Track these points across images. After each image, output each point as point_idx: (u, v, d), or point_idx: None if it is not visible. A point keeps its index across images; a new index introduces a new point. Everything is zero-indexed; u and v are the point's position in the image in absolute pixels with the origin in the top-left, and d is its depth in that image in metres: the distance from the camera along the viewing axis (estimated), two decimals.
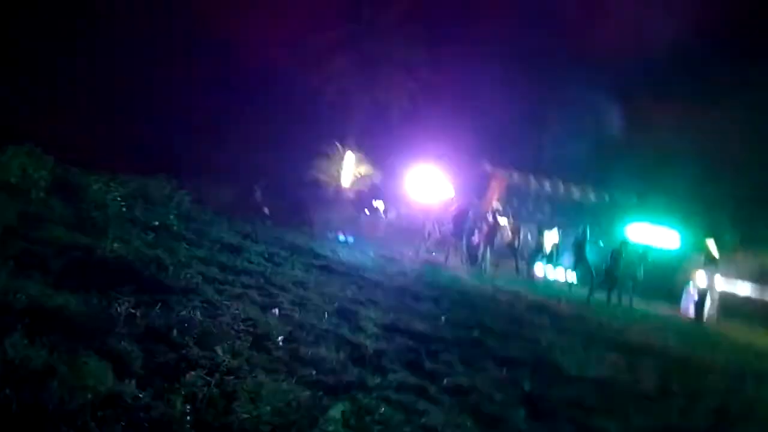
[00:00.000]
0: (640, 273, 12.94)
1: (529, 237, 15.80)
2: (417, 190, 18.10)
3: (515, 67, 18.66)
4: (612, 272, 12.45)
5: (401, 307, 6.65)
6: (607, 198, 19.62)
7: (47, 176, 7.85)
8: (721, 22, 16.91)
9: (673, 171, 17.17)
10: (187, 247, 7.11)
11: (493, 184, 19.62)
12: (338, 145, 19.92)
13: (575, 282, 13.79)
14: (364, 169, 19.95)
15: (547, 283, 14.13)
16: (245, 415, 2.90)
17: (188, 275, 5.47)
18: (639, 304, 12.54)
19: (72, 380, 2.81)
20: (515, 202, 19.10)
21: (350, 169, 20.12)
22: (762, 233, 15.67)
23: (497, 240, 15.19)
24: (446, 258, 14.29)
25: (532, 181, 20.24)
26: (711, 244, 12.92)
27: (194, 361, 3.44)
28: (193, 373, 3.24)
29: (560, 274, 15.04)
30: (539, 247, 15.19)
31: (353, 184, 19.93)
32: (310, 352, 4.15)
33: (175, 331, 3.80)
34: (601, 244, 13.85)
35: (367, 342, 4.76)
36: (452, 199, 16.88)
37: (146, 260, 5.48)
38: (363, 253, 11.60)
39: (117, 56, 14.13)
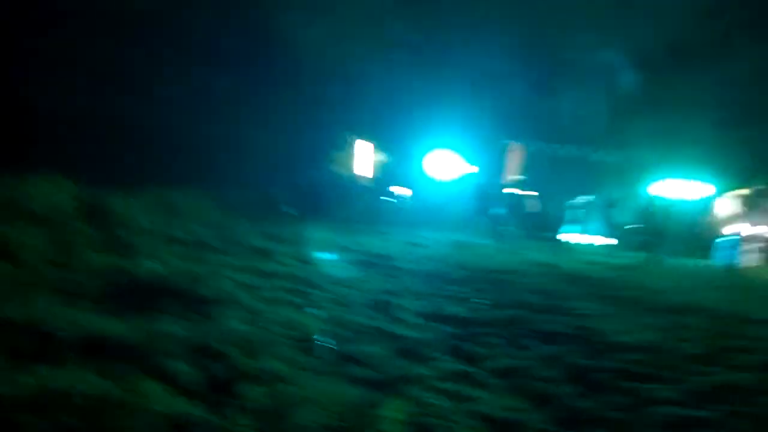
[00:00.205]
0: (673, 228, 12.78)
1: (554, 206, 15.69)
2: (435, 171, 18.03)
3: (521, 31, 18.31)
4: (644, 231, 12.30)
5: (435, 293, 6.65)
6: (629, 157, 19.31)
7: (73, 201, 7.96)
8: None
9: (696, 121, 16.79)
10: (218, 256, 7.18)
11: (511, 156, 19.41)
12: (351, 134, 19.86)
13: (607, 246, 13.66)
14: (379, 155, 19.89)
15: (578, 250, 14.00)
16: (302, 422, 2.93)
17: (223, 285, 5.53)
18: (675, 261, 12.37)
19: (130, 404, 2.87)
20: (536, 172, 18.88)
21: (365, 157, 20.08)
22: None
23: (522, 212, 15.12)
24: (473, 236, 14.24)
25: (551, 149, 19.98)
26: (741, 191, 12.67)
27: (244, 371, 3.48)
28: (244, 384, 3.28)
29: (590, 239, 14.91)
30: (566, 214, 15.09)
31: (369, 171, 19.89)
32: (353, 350, 4.18)
33: (220, 344, 3.85)
34: (629, 204, 13.68)
35: (407, 332, 4.78)
36: (471, 176, 16.80)
37: (181, 274, 5.56)
38: (389, 241, 11.61)
39: (120, 65, 14.15)
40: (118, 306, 4.44)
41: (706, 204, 16.20)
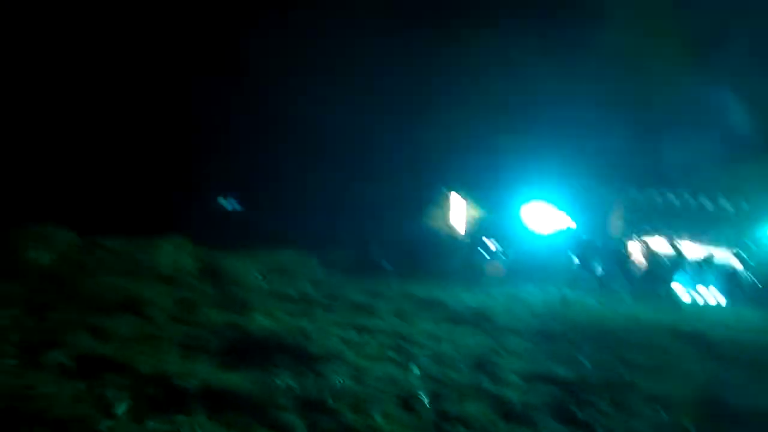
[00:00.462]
0: None
1: (664, 257, 14.82)
2: (533, 224, 17.71)
3: (623, 69, 17.88)
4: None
5: (539, 352, 6.50)
6: (745, 205, 17.94)
7: (193, 262, 8.72)
8: None
9: None
10: (324, 312, 7.50)
11: (617, 206, 18.67)
12: (447, 188, 20.06)
13: (725, 301, 12.66)
14: (476, 209, 19.87)
15: (692, 306, 13.07)
16: None
17: (330, 341, 5.77)
18: None
19: None
20: (644, 222, 17.96)
21: (462, 211, 20.13)
22: None
23: (629, 265, 14.44)
24: (577, 291, 13.72)
25: (661, 197, 18.96)
26: None
27: (352, 427, 3.63)
28: None
29: (706, 294, 13.88)
30: (677, 266, 14.21)
31: (466, 226, 19.88)
32: (456, 410, 4.20)
33: (330, 399, 4.04)
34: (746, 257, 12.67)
35: (511, 394, 4.72)
36: (572, 228, 16.34)
37: (290, 330, 5.88)
38: (488, 296, 11.47)
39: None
40: (234, 360, 4.79)
41: None
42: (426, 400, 4.35)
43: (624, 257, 14.39)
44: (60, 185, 11.98)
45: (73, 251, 8.74)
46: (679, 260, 14.02)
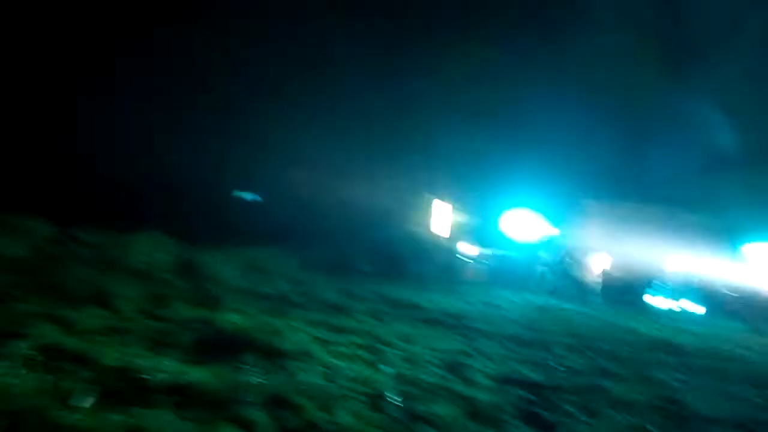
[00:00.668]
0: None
1: (639, 268, 15.01)
2: (515, 231, 17.82)
3: (605, 86, 18.10)
4: (737, 299, 11.51)
5: (511, 356, 6.53)
6: (722, 217, 18.24)
7: (169, 258, 8.62)
8: None
9: None
10: (298, 311, 7.46)
11: (595, 217, 18.88)
12: (429, 193, 20.12)
13: (696, 313, 12.86)
14: (457, 215, 19.95)
15: (664, 316, 13.24)
16: None
17: (301, 339, 5.74)
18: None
19: None
20: (621, 233, 18.18)
21: (443, 216, 20.20)
22: None
23: (605, 274, 14.60)
24: (553, 298, 13.83)
25: (638, 209, 19.22)
26: None
27: (318, 425, 3.61)
28: None
29: (680, 304, 14.08)
30: (652, 277, 14.42)
31: (447, 231, 19.95)
32: (425, 410, 4.20)
33: (297, 396, 4.01)
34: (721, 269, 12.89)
35: (481, 396, 4.73)
36: (552, 237, 16.48)
37: (263, 328, 5.83)
38: (465, 300, 11.52)
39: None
40: (205, 356, 4.73)
41: None
42: (395, 400, 4.34)
43: (601, 267, 14.55)
44: (38, 176, 11.77)
45: (48, 243, 8.60)
46: (657, 271, 14.21)
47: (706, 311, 12.41)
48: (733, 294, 11.94)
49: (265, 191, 13.58)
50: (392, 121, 18.36)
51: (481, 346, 6.86)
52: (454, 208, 19.89)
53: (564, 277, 14.50)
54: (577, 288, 14.52)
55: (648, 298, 14.26)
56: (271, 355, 5.01)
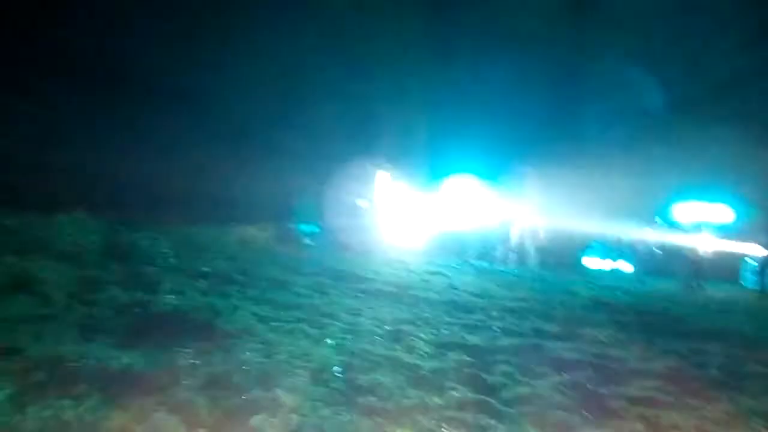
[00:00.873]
0: (695, 253, 12.59)
1: (575, 231, 15.58)
2: (456, 201, 18.06)
3: (537, 52, 18.39)
4: (665, 256, 12.15)
5: (453, 322, 6.64)
6: (649, 181, 19.08)
7: (99, 240, 8.21)
8: None
9: (717, 142, 16.58)
10: (238, 289, 7.29)
11: (531, 183, 19.35)
12: (370, 165, 20.04)
13: (629, 272, 13.51)
14: (398, 186, 19.99)
15: (600, 276, 13.85)
16: None
17: (242, 317, 5.62)
18: (702, 287, 12.14)
19: None
20: (556, 197, 18.73)
21: (385, 188, 20.21)
22: None
23: (541, 239, 15.07)
24: (494, 264, 14.18)
25: (572, 174, 19.79)
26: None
27: (258, 403, 3.54)
28: (257, 416, 3.33)
29: (612, 264, 14.75)
30: (588, 239, 14.99)
31: (389, 202, 19.99)
32: (366, 380, 4.20)
33: (235, 376, 3.92)
34: (650, 229, 13.55)
35: (422, 362, 4.79)
36: (493, 204, 16.80)
37: (201, 308, 5.67)
38: (409, 271, 11.62)
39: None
40: (139, 341, 4.55)
41: (730, 227, 15.92)
42: (337, 372, 4.32)
43: (539, 231, 14.99)
44: None
45: None
46: (591, 234, 14.79)
47: (639, 270, 13.05)
48: (662, 253, 12.61)
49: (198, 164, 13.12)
50: (332, 91, 18.10)
51: (424, 314, 6.94)
52: (395, 177, 19.93)
53: (504, 243, 14.84)
54: (516, 253, 14.92)
55: (584, 260, 14.83)
56: (211, 335, 4.89)
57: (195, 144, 13.90)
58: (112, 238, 8.64)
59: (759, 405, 4.23)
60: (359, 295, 8.08)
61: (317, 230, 14.71)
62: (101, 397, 3.27)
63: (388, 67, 18.46)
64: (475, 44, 18.41)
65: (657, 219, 14.44)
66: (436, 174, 18.64)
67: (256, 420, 3.31)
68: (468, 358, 5.08)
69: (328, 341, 5.21)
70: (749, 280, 13.72)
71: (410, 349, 5.24)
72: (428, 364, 4.77)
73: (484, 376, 4.59)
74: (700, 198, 16.67)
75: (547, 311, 7.89)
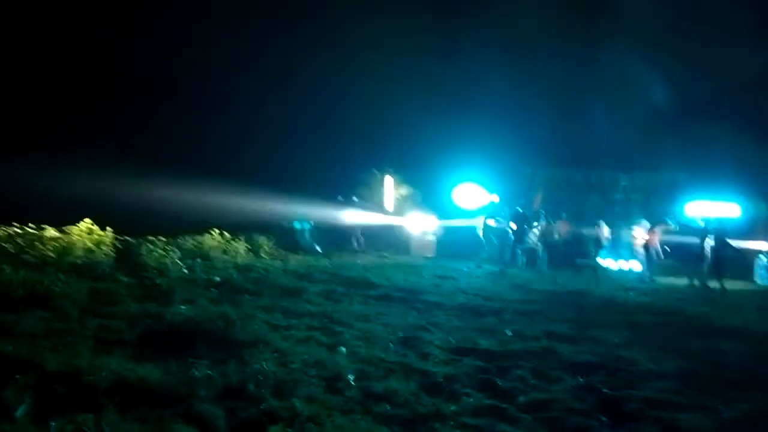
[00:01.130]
0: (708, 250, 12.50)
1: (587, 232, 15.49)
2: (461, 202, 18.04)
3: (542, 55, 18.41)
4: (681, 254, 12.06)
5: (464, 327, 6.63)
6: (661, 179, 18.93)
7: (110, 251, 8.28)
8: None
9: (726, 140, 16.48)
10: (250, 297, 7.32)
11: (538, 183, 19.28)
12: (376, 171, 20.05)
13: (643, 270, 13.42)
14: (408, 190, 19.98)
15: (611, 276, 13.77)
16: None
17: (255, 326, 5.64)
18: (713, 283, 12.05)
19: None
20: (567, 197, 18.61)
21: (391, 192, 20.20)
22: None
23: (553, 239, 15.00)
24: (502, 266, 14.12)
25: (581, 174, 19.68)
26: None
27: (274, 413, 3.55)
28: (275, 427, 3.34)
29: (624, 264, 14.65)
30: (597, 240, 14.91)
31: (396, 206, 19.98)
32: (381, 388, 4.20)
33: (251, 386, 3.93)
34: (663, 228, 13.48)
35: (436, 369, 4.78)
36: (499, 205, 16.74)
37: (214, 318, 5.68)
38: (417, 275, 11.61)
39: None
40: (154, 352, 4.57)
41: (743, 223, 15.79)
42: (351, 380, 4.32)
43: (548, 231, 14.92)
44: None
45: None
46: (601, 234, 14.71)
47: (650, 269, 12.97)
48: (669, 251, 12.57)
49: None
50: (340, 97, 18.19)
51: (435, 319, 6.93)
52: (404, 183, 19.93)
53: (514, 245, 14.77)
54: (527, 255, 14.86)
55: (593, 260, 14.76)
56: (224, 345, 4.90)
57: (203, 154, 14.02)
58: (124, 249, 8.72)
59: None
60: (370, 301, 8.09)
61: (309, 226, 14.80)
62: (120, 409, 3.29)
63: (396, 72, 18.52)
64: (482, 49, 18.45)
65: (668, 219, 14.36)
66: (443, 179, 18.62)
67: (273, 430, 3.32)
68: (481, 363, 5.07)
69: (342, 349, 5.21)
70: (763, 277, 13.61)
71: (423, 356, 5.24)
72: (441, 371, 4.76)
73: (498, 381, 4.57)
74: (711, 197, 16.57)
75: (559, 313, 7.85)
